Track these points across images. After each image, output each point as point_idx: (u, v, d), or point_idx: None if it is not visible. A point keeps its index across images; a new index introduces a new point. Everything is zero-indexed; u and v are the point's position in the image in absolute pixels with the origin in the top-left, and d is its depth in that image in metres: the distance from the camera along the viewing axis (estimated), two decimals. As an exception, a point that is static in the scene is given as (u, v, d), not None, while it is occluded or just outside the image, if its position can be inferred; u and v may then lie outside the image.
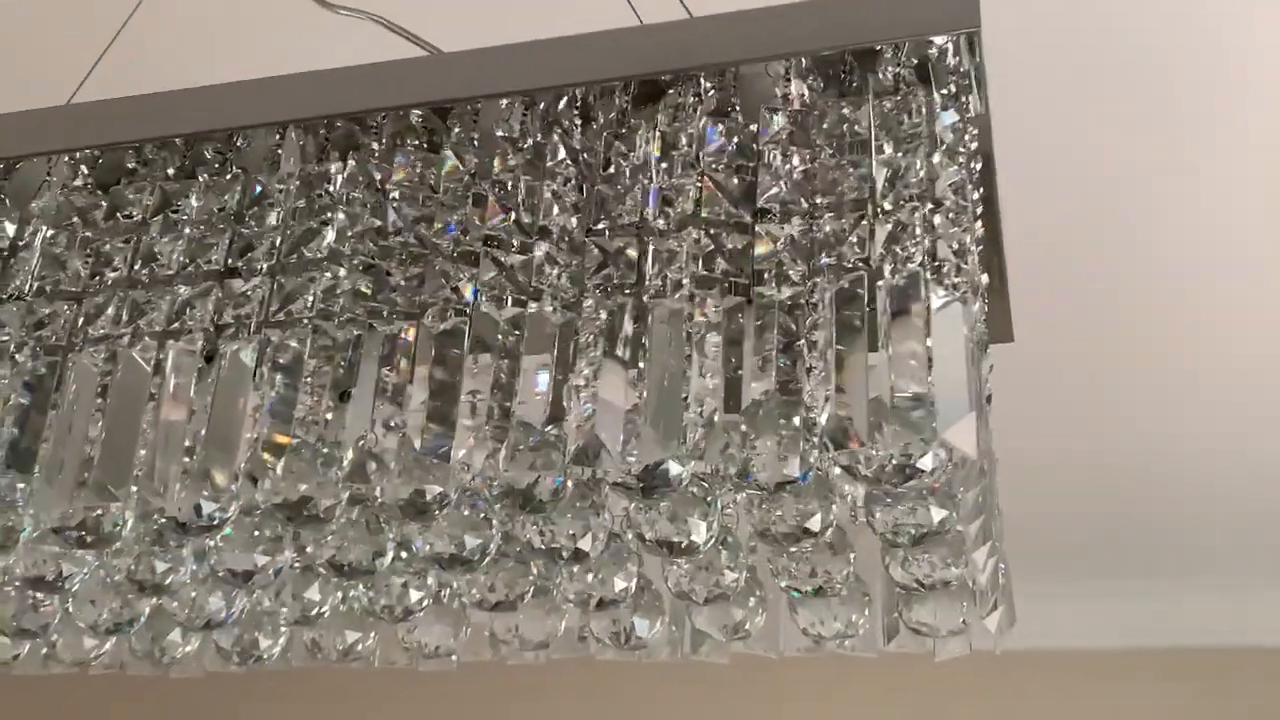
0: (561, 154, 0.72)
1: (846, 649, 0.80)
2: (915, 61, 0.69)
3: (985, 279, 0.73)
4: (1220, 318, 1.77)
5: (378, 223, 0.73)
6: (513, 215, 0.71)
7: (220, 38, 1.40)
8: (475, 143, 0.74)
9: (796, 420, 0.62)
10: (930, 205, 0.65)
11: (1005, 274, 0.81)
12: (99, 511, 0.68)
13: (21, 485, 0.71)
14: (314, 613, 0.80)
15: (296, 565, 0.79)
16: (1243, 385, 1.87)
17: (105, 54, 1.11)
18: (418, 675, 2.36)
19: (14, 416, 0.72)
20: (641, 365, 0.65)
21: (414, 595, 0.78)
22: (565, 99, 0.74)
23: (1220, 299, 1.73)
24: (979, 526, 0.67)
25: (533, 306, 0.68)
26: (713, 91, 0.72)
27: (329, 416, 0.68)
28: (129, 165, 0.79)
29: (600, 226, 0.69)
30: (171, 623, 0.85)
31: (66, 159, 0.80)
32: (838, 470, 0.67)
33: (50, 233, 0.77)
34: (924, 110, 0.68)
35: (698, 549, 0.69)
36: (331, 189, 0.74)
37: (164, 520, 0.69)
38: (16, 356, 0.73)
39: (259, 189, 0.76)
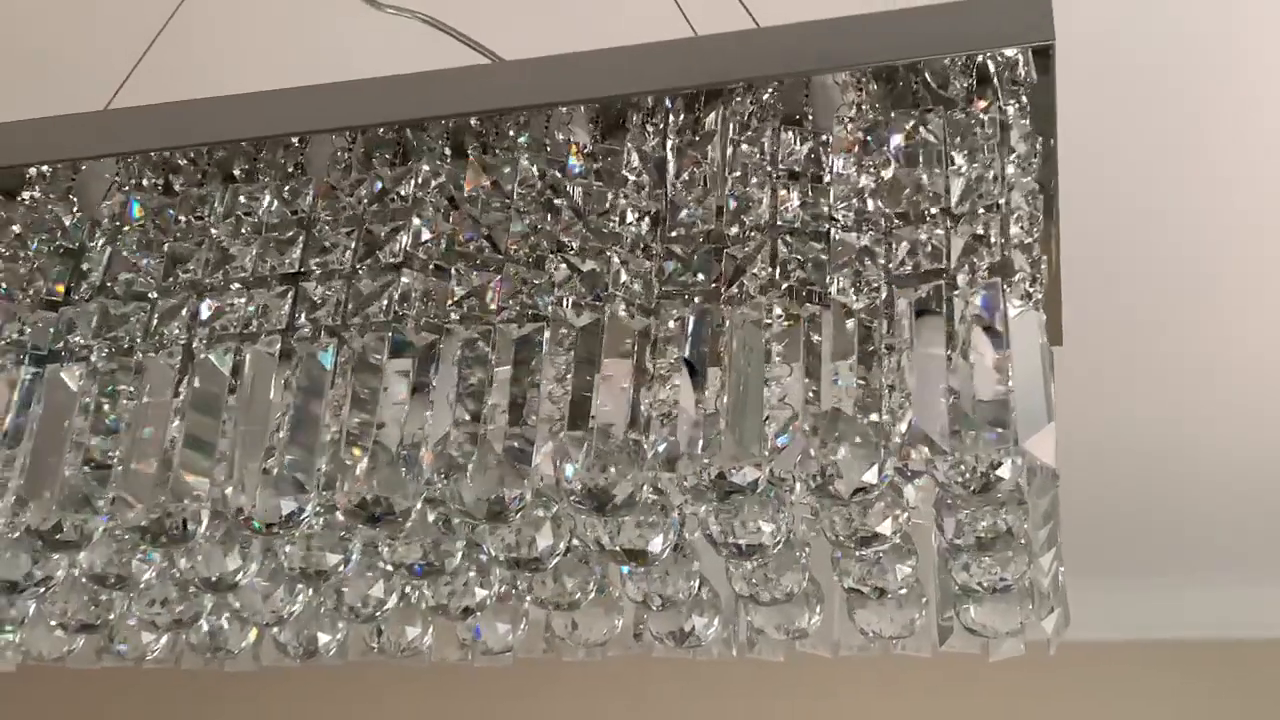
0: (635, 161, 0.73)
1: (903, 649, 0.81)
2: (987, 72, 0.70)
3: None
4: (1235, 314, 1.79)
5: (451, 227, 0.73)
6: (586, 221, 0.72)
7: (265, 37, 1.40)
8: (547, 148, 0.75)
9: (874, 428, 0.63)
10: (1005, 215, 0.66)
11: (1060, 278, 0.82)
12: (178, 511, 0.69)
13: (97, 484, 0.72)
14: (379, 610, 0.81)
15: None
16: (1259, 381, 1.89)
17: (145, 56, 1.11)
18: (408, 675, 2.39)
19: (89, 417, 0.73)
20: (719, 371, 0.66)
21: (479, 593, 0.79)
22: (639, 106, 0.74)
23: (1235, 295, 1.75)
24: (1048, 532, 0.68)
25: (609, 311, 0.69)
26: (784, 100, 0.73)
27: (407, 420, 0.69)
28: (200, 168, 0.79)
29: (675, 234, 0.70)
30: (232, 618, 0.87)
31: (131, 161, 0.81)
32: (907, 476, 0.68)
33: (121, 234, 0.78)
34: (996, 120, 0.69)
35: (767, 551, 0.70)
36: (404, 193, 0.75)
37: (242, 519, 0.69)
38: (91, 357, 0.74)
39: (330, 193, 0.76)
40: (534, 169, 0.74)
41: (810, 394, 0.65)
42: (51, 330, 0.76)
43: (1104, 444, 2.01)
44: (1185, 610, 2.30)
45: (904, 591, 0.75)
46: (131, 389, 0.73)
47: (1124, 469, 2.08)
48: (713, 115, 0.74)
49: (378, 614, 0.82)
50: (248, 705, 2.47)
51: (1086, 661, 2.21)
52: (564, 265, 0.70)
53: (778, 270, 0.67)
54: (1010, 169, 0.68)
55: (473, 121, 0.77)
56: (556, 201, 0.73)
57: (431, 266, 0.72)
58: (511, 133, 0.77)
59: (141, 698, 2.48)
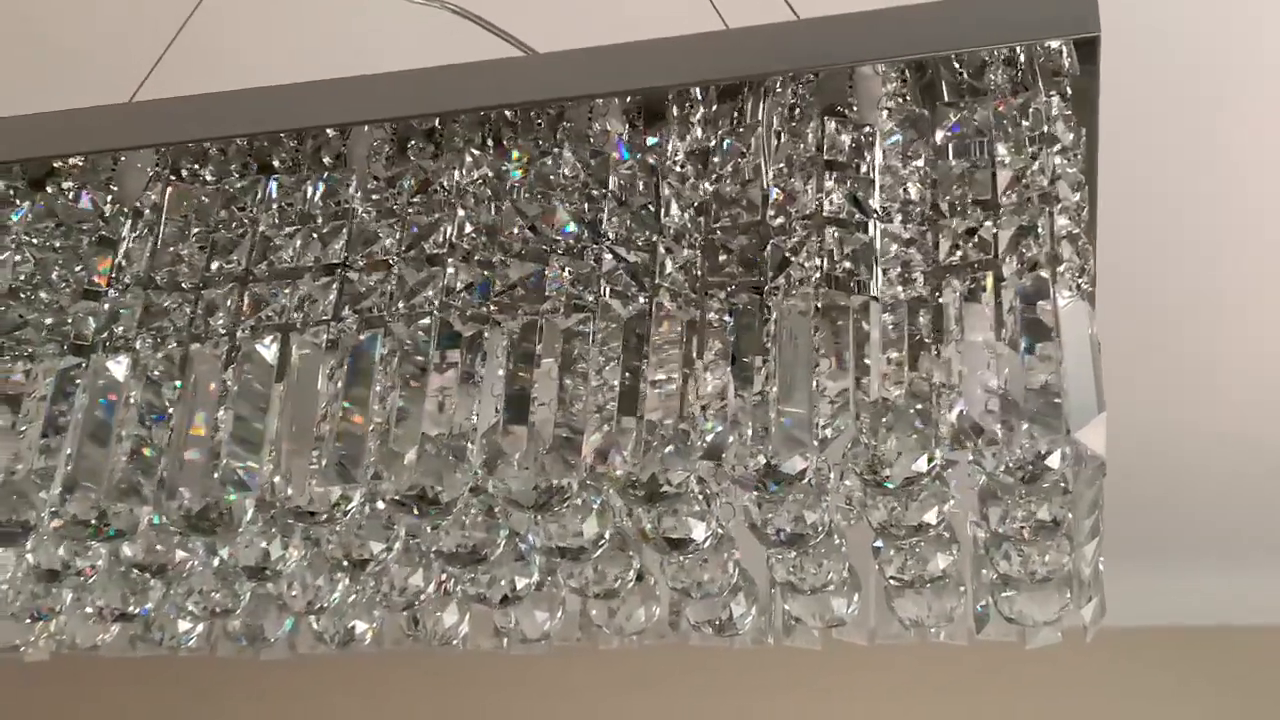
0: (678, 153, 0.73)
1: (940, 638, 0.82)
2: (1033, 63, 0.71)
3: None
4: (1244, 311, 1.79)
5: (496, 219, 0.74)
6: (631, 212, 0.72)
7: (289, 28, 1.40)
8: (590, 139, 0.75)
9: (923, 418, 0.64)
10: (1052, 206, 0.66)
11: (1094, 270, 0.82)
12: (225, 500, 0.70)
13: (143, 475, 0.72)
14: (418, 598, 0.82)
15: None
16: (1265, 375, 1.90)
17: (169, 48, 1.11)
18: (404, 671, 2.39)
19: (134, 409, 0.73)
20: (766, 363, 0.66)
21: (520, 582, 0.80)
22: (680, 98, 0.75)
23: (1247, 293, 1.76)
24: (1093, 522, 0.69)
25: (656, 303, 0.69)
26: (827, 91, 0.73)
27: (454, 410, 0.69)
28: (240, 159, 0.79)
29: (719, 225, 0.70)
30: (269, 607, 0.87)
31: (165, 151, 0.81)
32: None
33: (163, 225, 0.78)
34: (1041, 111, 0.69)
35: (811, 540, 0.71)
36: (447, 184, 0.75)
37: (290, 509, 0.70)
38: (136, 346, 0.74)
39: (372, 184, 0.77)
40: (577, 160, 0.74)
41: (858, 384, 0.65)
42: (93, 321, 0.76)
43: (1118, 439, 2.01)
44: (1183, 596, 2.31)
45: (944, 581, 0.76)
46: (177, 379, 0.73)
47: (1133, 463, 2.08)
48: (755, 106, 0.74)
49: (415, 602, 0.82)
50: (251, 705, 2.48)
51: (1102, 648, 2.22)
52: (609, 256, 0.71)
53: (823, 261, 0.67)
54: (1056, 160, 0.68)
55: (507, 114, 0.77)
56: (600, 192, 0.73)
57: (476, 258, 0.73)
58: (551, 124, 0.77)
59: (141, 697, 2.47)
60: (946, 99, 0.71)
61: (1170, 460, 2.07)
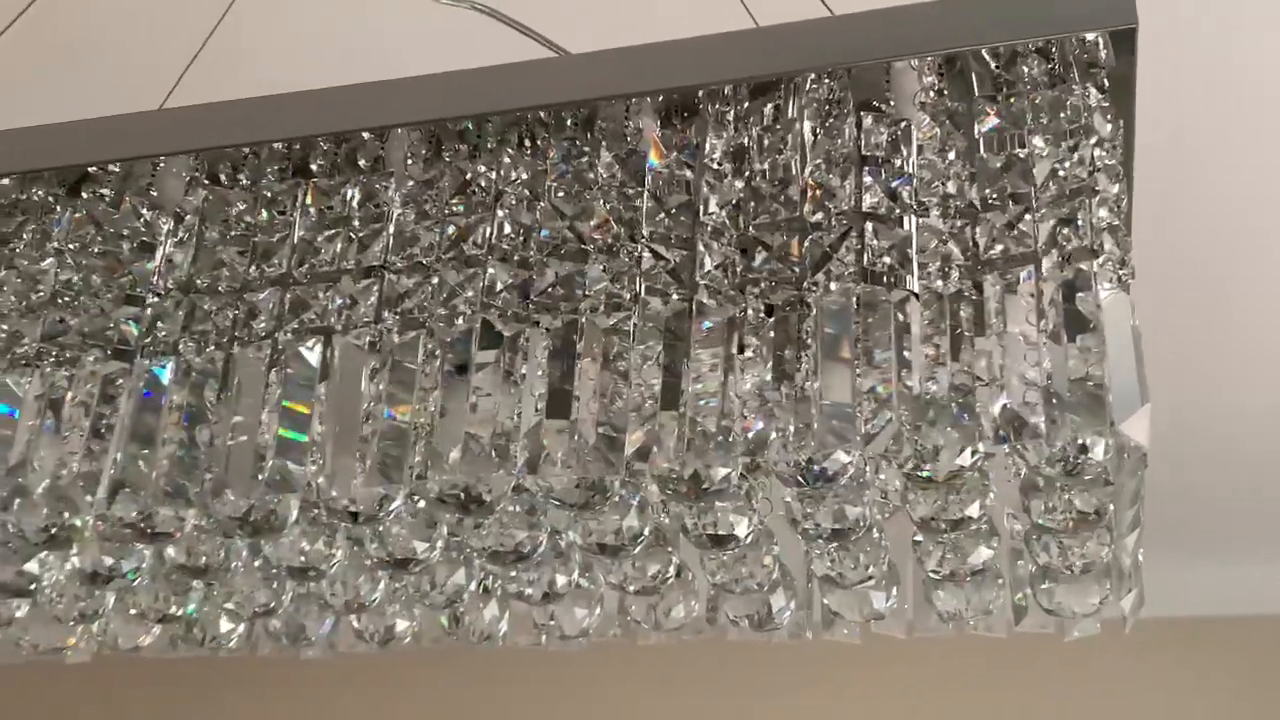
0: (714, 150, 0.73)
1: (978, 630, 0.82)
2: (1068, 56, 0.71)
3: None
4: (1241, 307, 1.79)
5: (534, 219, 0.74)
6: (668, 210, 0.72)
7: (317, 31, 1.41)
8: (627, 138, 0.76)
9: (966, 411, 0.64)
10: (1091, 198, 0.66)
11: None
12: (271, 501, 0.70)
13: (190, 477, 0.72)
14: (459, 596, 0.82)
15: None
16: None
17: (201, 50, 1.12)
18: (397, 672, 2.40)
19: (178, 413, 0.74)
20: (807, 358, 0.66)
21: (560, 579, 0.80)
22: (715, 96, 0.75)
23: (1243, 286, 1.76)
24: (1134, 513, 0.69)
25: (696, 300, 0.69)
26: (864, 86, 0.73)
27: (496, 410, 0.69)
28: (278, 163, 0.80)
29: (758, 221, 0.71)
30: (310, 606, 0.88)
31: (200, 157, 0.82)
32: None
33: (204, 230, 0.79)
34: (1079, 104, 0.69)
35: (852, 535, 0.71)
36: (484, 185, 0.76)
37: (335, 509, 0.70)
38: (179, 350, 0.75)
39: (410, 186, 0.77)
40: (613, 159, 0.75)
41: (900, 379, 0.65)
42: (136, 326, 0.77)
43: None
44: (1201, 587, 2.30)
45: (983, 574, 0.76)
46: (220, 383, 0.74)
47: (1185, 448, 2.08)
48: (790, 103, 0.74)
49: (457, 600, 0.83)
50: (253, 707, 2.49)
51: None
52: (648, 254, 0.71)
53: (862, 256, 0.68)
54: (1094, 152, 0.68)
55: (540, 114, 0.78)
56: (636, 191, 0.74)
57: (515, 257, 0.73)
58: (585, 124, 0.78)
59: (142, 698, 2.48)
60: (982, 92, 0.71)
61: (1212, 444, 2.06)
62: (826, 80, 0.74)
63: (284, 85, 0.86)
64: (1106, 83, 0.70)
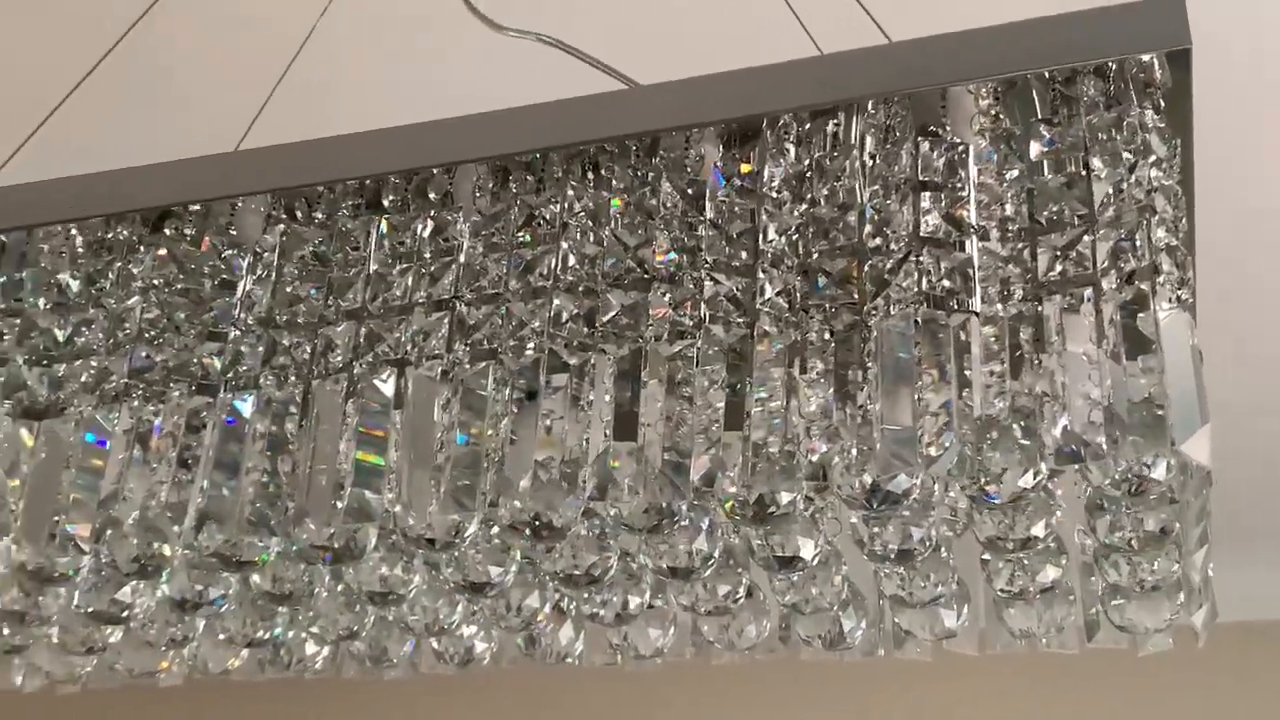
0: (774, 178, 0.75)
1: (1050, 647, 0.82)
2: (1125, 77, 0.71)
3: None
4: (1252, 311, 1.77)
5: (598, 249, 0.76)
6: (729, 239, 0.74)
7: (388, 64, 1.44)
8: (687, 168, 0.77)
9: (1027, 432, 0.65)
10: (1149, 218, 0.67)
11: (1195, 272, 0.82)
12: (354, 530, 0.73)
13: (272, 507, 0.75)
14: (534, 618, 0.84)
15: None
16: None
17: (276, 87, 1.15)
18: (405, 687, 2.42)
19: (260, 445, 0.76)
20: (869, 381, 0.67)
21: (632, 601, 0.82)
22: (774, 123, 0.76)
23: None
24: (1201, 530, 0.69)
25: (757, 327, 0.71)
26: (920, 111, 0.74)
27: (565, 436, 0.71)
28: (352, 199, 0.83)
29: (817, 248, 0.72)
30: (392, 629, 0.90)
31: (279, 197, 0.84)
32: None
33: (281, 266, 0.81)
34: (1134, 124, 0.70)
35: (917, 556, 0.72)
36: (549, 217, 0.78)
37: (411, 537, 0.72)
38: (260, 384, 0.78)
39: (478, 220, 0.79)
40: (675, 190, 0.76)
41: (960, 401, 0.66)
42: (218, 361, 0.80)
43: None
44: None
45: (1053, 592, 0.76)
46: (300, 415, 0.77)
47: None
48: (849, 129, 0.75)
49: (532, 622, 0.85)
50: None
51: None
52: (709, 282, 0.73)
53: (922, 280, 0.68)
54: (1152, 172, 0.69)
55: (629, 145, 0.79)
56: (697, 219, 0.75)
57: (580, 288, 0.75)
58: (648, 152, 0.79)
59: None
60: (1039, 114, 0.72)
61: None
62: (883, 105, 0.75)
63: (356, 117, 0.88)
64: (1163, 102, 0.70)
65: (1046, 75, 0.72)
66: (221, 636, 0.88)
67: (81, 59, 1.15)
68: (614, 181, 0.78)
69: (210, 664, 0.94)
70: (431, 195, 0.83)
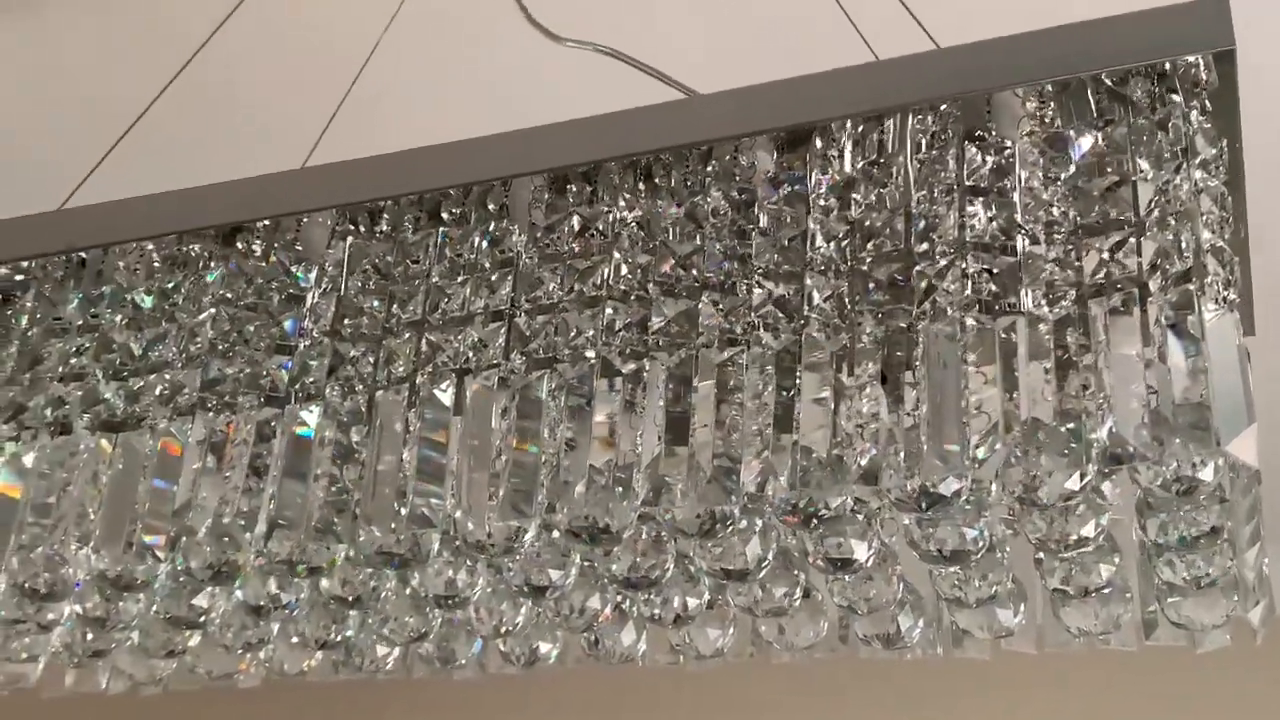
0: (821, 185, 0.76)
1: (1111, 644, 0.82)
2: (1168, 79, 0.71)
3: None
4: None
5: (650, 258, 0.77)
6: (778, 246, 0.75)
7: (449, 76, 1.47)
8: (736, 176, 0.78)
9: (1074, 434, 0.65)
10: (1195, 219, 0.67)
11: (1249, 268, 0.82)
12: (414, 535, 0.75)
13: (338, 515, 0.78)
14: (596, 620, 0.86)
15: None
16: None
17: (342, 103, 1.18)
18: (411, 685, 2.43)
19: (327, 453, 0.79)
20: (916, 386, 0.68)
21: (690, 603, 0.83)
22: (823, 130, 0.77)
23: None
24: (1252, 529, 0.69)
25: (805, 333, 0.72)
26: (966, 115, 0.75)
27: (619, 442, 0.73)
28: (413, 212, 0.85)
29: (865, 254, 0.73)
30: (459, 631, 0.92)
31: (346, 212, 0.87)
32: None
33: (345, 280, 0.84)
34: (1180, 126, 0.70)
35: (970, 557, 0.73)
36: (602, 227, 0.80)
37: (472, 542, 0.75)
38: (326, 395, 0.80)
39: (533, 231, 0.81)
40: (724, 198, 0.78)
41: (1008, 404, 0.67)
42: (286, 373, 0.83)
43: None
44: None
45: (1108, 590, 0.77)
46: (365, 424, 0.79)
47: None
48: (895, 135, 0.76)
49: (594, 623, 0.86)
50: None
51: None
52: (759, 290, 0.74)
53: (969, 285, 0.69)
54: (1198, 174, 0.69)
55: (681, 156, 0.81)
56: (748, 228, 0.76)
57: (633, 296, 0.76)
58: (702, 159, 0.81)
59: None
60: (1085, 117, 0.73)
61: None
62: (931, 110, 0.76)
63: (420, 128, 0.91)
64: (1209, 104, 0.71)
65: (1091, 78, 0.73)
66: (295, 639, 0.90)
67: (153, 79, 1.19)
68: (669, 190, 0.79)
69: (286, 665, 0.96)
70: (491, 206, 0.85)
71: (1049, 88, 0.74)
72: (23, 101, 1.59)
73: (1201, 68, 0.71)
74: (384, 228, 0.87)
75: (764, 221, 0.76)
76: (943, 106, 0.75)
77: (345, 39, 1.28)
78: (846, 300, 0.72)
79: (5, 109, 1.60)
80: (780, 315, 0.73)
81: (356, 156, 0.86)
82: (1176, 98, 0.70)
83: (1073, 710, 2.27)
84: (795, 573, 0.82)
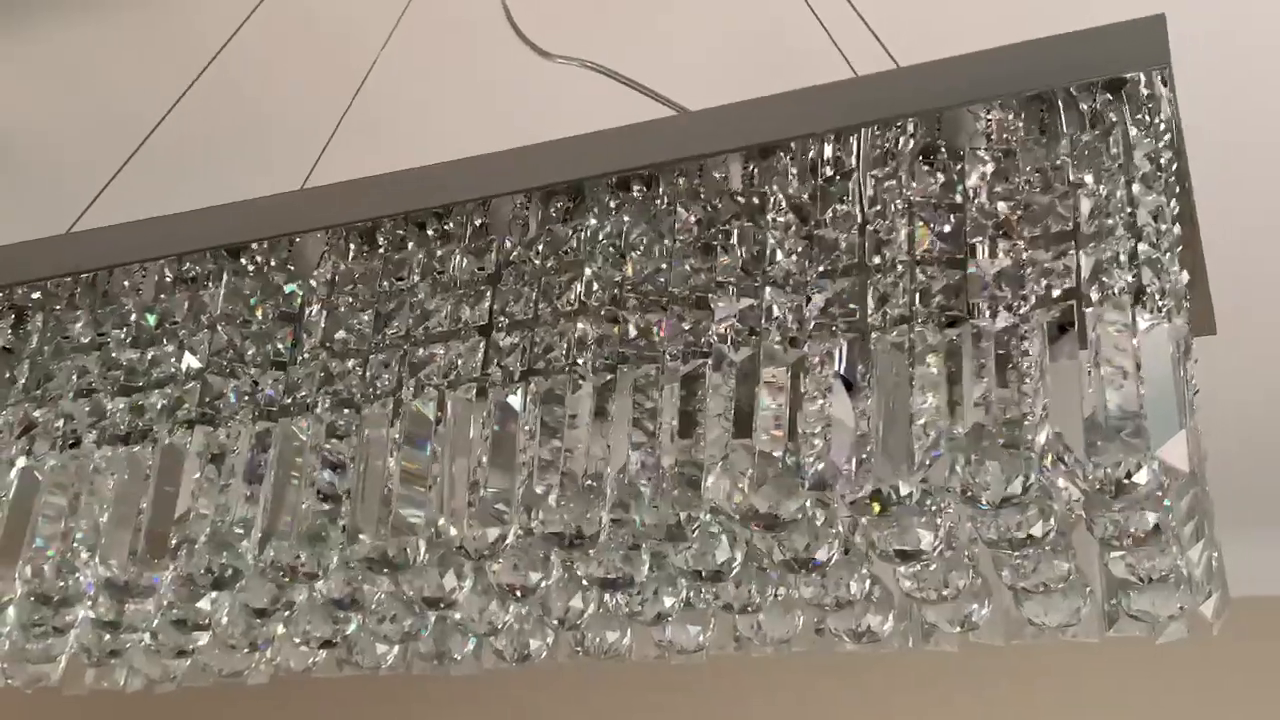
0: (782, 201, 0.79)
1: (1070, 637, 0.86)
2: (1109, 96, 0.74)
3: (1186, 278, 0.78)
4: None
5: (619, 275, 0.81)
6: (740, 261, 0.79)
7: (443, 93, 1.51)
8: (701, 194, 0.82)
9: (1015, 442, 0.68)
10: (1132, 234, 0.70)
11: (1205, 270, 0.85)
12: (399, 541, 0.79)
13: (329, 522, 0.82)
14: (580, 619, 0.89)
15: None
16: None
17: (340, 123, 1.22)
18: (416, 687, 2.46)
19: (318, 464, 0.83)
20: (868, 395, 0.72)
21: (668, 601, 0.87)
22: (786, 147, 0.81)
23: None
24: (1193, 526, 0.72)
25: (763, 346, 0.75)
26: (920, 134, 0.78)
27: (589, 451, 0.77)
28: (400, 230, 0.89)
29: (822, 268, 0.76)
30: (454, 630, 0.96)
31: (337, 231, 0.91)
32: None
33: (334, 298, 0.88)
34: (1120, 142, 0.73)
35: (927, 557, 0.76)
36: (575, 245, 0.83)
37: (455, 548, 0.79)
38: (317, 411, 0.84)
39: (513, 249, 0.85)
40: (691, 216, 0.81)
41: (954, 413, 0.70)
42: (281, 388, 0.87)
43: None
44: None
45: (1063, 586, 0.80)
46: (353, 437, 0.83)
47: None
48: (852, 152, 0.80)
49: (579, 622, 0.90)
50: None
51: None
52: (721, 304, 0.77)
53: (918, 298, 0.73)
54: (1136, 187, 0.72)
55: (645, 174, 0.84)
56: (713, 244, 0.80)
57: (603, 312, 0.80)
58: (668, 178, 0.84)
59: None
60: (1033, 133, 0.76)
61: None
62: (885, 127, 0.79)
63: (416, 144, 0.95)
64: (1148, 117, 0.73)
65: (1036, 95, 0.76)
66: (297, 640, 0.95)
67: (165, 92, 1.24)
68: (641, 205, 0.83)
69: (292, 663, 1.01)
70: (477, 220, 0.88)
71: (997, 104, 0.77)
72: (38, 112, 1.65)
73: (1142, 84, 0.74)
74: (379, 245, 0.91)
75: (729, 237, 0.80)
76: (897, 124, 0.78)
77: (348, 53, 1.32)
78: (803, 313, 0.76)
79: (21, 118, 1.66)
80: (742, 329, 0.77)
81: (359, 167, 0.90)
82: (1114, 116, 0.73)
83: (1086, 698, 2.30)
84: (767, 571, 0.85)
